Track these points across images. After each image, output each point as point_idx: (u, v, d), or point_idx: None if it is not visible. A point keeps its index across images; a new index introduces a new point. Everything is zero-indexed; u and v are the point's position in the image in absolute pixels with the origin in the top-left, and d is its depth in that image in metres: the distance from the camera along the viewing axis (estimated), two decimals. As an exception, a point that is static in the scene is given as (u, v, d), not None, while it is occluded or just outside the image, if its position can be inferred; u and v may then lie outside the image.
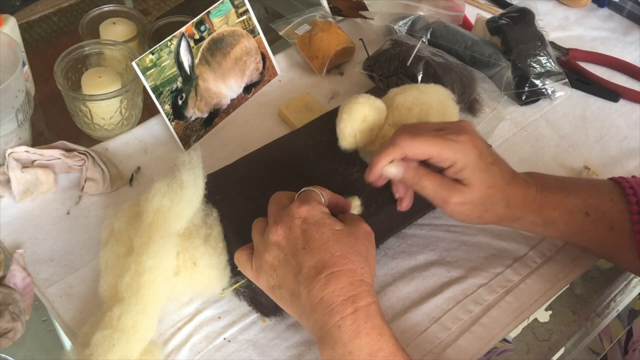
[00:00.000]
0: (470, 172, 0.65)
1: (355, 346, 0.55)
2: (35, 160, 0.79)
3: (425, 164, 0.67)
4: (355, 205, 0.68)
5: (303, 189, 0.63)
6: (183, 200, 0.67)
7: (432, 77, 0.88)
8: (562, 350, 0.77)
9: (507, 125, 0.92)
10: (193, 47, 0.85)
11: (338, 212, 0.65)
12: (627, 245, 0.69)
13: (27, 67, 0.90)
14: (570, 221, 0.69)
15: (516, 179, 0.68)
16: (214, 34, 0.87)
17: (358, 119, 0.70)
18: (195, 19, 0.85)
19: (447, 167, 0.65)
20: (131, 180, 0.82)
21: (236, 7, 0.90)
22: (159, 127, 0.88)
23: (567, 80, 0.96)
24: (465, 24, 1.05)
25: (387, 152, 0.65)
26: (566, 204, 0.69)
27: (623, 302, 0.82)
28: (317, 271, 0.57)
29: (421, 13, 1.01)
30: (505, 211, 0.68)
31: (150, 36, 0.97)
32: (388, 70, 0.89)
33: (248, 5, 0.91)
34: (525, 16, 0.96)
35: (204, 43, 0.86)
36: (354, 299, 0.56)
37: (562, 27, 1.10)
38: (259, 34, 0.93)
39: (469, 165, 0.64)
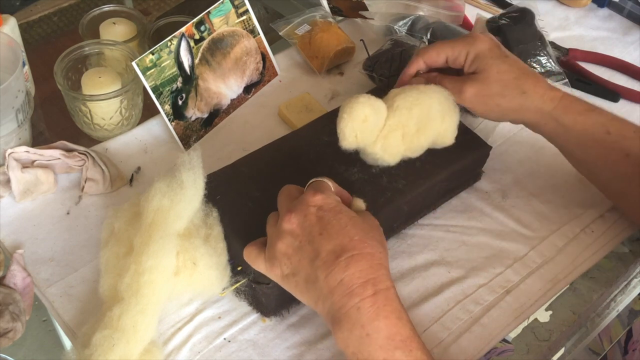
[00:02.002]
0: (482, 59, 0.71)
1: (374, 328, 0.55)
2: (35, 160, 0.79)
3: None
4: (359, 207, 0.68)
5: (313, 180, 0.64)
6: (183, 200, 0.67)
7: (432, 77, 0.88)
8: (562, 351, 0.77)
9: (507, 125, 0.92)
10: (193, 47, 0.85)
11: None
12: (638, 178, 0.70)
13: (27, 67, 0.90)
14: (590, 131, 0.71)
15: (535, 75, 0.73)
16: (214, 34, 0.87)
17: (358, 118, 0.70)
18: (195, 19, 0.85)
19: (464, 62, 0.73)
20: (131, 180, 0.82)
21: (236, 7, 0.90)
22: (159, 127, 0.88)
23: (567, 80, 0.96)
24: (465, 24, 1.05)
25: (411, 65, 0.76)
26: (590, 114, 0.72)
27: (623, 302, 0.82)
28: (336, 255, 0.57)
29: (421, 13, 1.01)
30: (522, 99, 0.71)
31: (150, 36, 0.97)
32: (388, 70, 0.89)
33: (248, 5, 0.91)
34: (525, 16, 0.96)
35: (204, 43, 0.86)
36: (374, 282, 0.56)
37: (562, 27, 1.10)
38: (259, 34, 0.93)
39: (481, 53, 0.72)
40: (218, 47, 0.88)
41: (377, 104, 0.71)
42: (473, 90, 0.72)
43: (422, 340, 0.58)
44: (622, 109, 0.97)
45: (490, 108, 0.72)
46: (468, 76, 0.73)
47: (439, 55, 0.74)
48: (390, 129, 0.72)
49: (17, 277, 0.70)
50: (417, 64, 0.76)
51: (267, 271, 0.63)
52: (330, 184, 0.64)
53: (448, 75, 0.75)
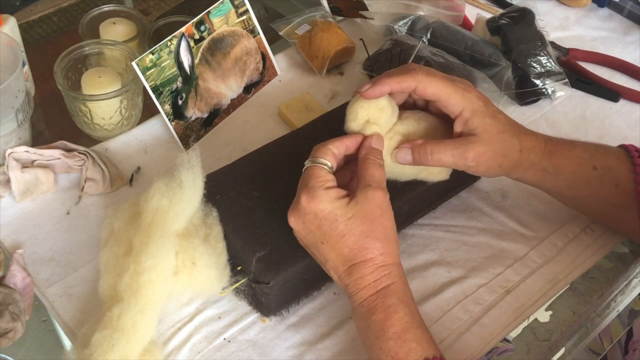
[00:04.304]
0: (479, 119, 0.67)
1: (372, 322, 0.62)
2: (35, 160, 0.79)
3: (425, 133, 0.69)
4: (383, 107, 0.67)
5: (306, 166, 0.65)
6: (182, 200, 0.67)
7: (432, 77, 0.87)
8: (562, 351, 0.77)
9: (507, 125, 0.92)
10: (193, 47, 0.85)
11: (351, 160, 0.67)
12: (629, 205, 0.71)
13: (27, 67, 0.90)
14: (578, 172, 0.71)
15: (522, 127, 0.72)
16: (214, 34, 0.87)
17: (376, 104, 0.68)
18: (195, 19, 0.85)
19: (456, 117, 0.68)
20: (131, 180, 0.82)
21: (236, 7, 0.90)
22: (159, 127, 0.88)
23: (567, 80, 0.96)
24: (465, 24, 1.05)
25: (401, 77, 0.66)
26: (574, 155, 0.72)
27: (623, 302, 0.82)
28: (340, 264, 0.63)
29: (421, 13, 1.01)
30: (519, 156, 0.70)
31: (150, 36, 0.97)
32: (388, 70, 0.89)
33: (248, 5, 0.91)
34: (525, 16, 0.96)
35: (204, 43, 0.86)
36: (375, 285, 0.62)
37: (562, 27, 1.10)
38: (259, 34, 0.93)
39: (477, 112, 0.67)
40: (218, 47, 0.88)
41: (394, 102, 0.70)
42: (477, 153, 0.67)
43: (424, 332, 0.61)
44: (622, 108, 0.97)
45: (493, 169, 0.70)
46: (467, 140, 0.68)
47: (433, 94, 0.67)
48: (395, 132, 0.70)
49: (17, 277, 0.70)
50: (408, 83, 0.66)
51: None
52: (326, 160, 0.64)
53: (440, 143, 0.68)
